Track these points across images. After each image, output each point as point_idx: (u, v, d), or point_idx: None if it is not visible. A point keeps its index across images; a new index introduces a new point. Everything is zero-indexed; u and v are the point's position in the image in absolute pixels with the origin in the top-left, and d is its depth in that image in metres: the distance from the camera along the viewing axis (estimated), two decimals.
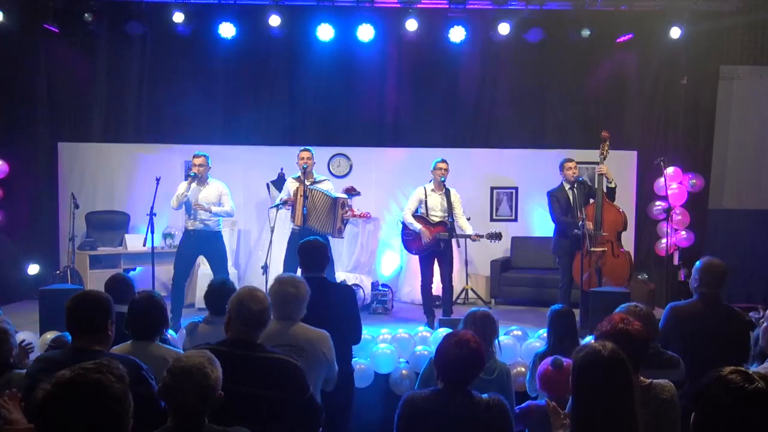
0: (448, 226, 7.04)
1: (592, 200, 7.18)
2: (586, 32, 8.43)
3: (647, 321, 3.42)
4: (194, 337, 4.12)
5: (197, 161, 7.04)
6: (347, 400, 4.38)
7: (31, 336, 5.98)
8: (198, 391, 2.37)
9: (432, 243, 7.09)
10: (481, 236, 7.07)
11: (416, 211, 7.32)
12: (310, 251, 4.38)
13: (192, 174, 7.00)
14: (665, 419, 2.91)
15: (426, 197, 7.26)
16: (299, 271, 6.53)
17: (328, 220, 7.13)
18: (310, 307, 4.07)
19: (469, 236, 7.11)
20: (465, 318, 4.04)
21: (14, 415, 2.59)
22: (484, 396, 2.94)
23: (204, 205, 6.98)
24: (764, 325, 3.26)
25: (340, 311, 4.23)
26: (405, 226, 7.33)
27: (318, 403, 3.21)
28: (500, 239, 7.19)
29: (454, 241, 7.20)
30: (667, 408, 2.93)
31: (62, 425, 1.74)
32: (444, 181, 7.18)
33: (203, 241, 7.09)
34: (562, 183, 7.25)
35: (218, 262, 7.17)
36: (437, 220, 7.18)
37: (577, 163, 7.39)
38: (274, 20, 8.43)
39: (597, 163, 7.29)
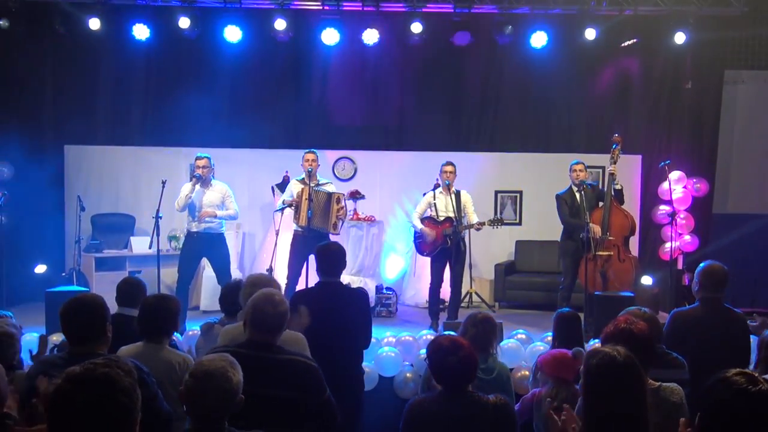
0: (454, 222, 7.06)
1: (601, 203, 7.18)
2: (591, 33, 8.43)
3: (651, 323, 3.43)
4: (209, 337, 4.11)
5: (200, 163, 7.05)
6: (357, 402, 4.39)
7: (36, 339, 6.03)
8: (220, 394, 2.40)
9: (440, 241, 7.11)
10: (483, 224, 7.08)
11: (425, 214, 7.34)
12: (329, 256, 4.37)
13: (196, 176, 7.02)
14: (674, 422, 2.92)
15: (435, 200, 7.28)
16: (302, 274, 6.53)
17: (325, 216, 7.13)
18: (326, 311, 4.08)
19: (472, 226, 7.13)
20: (465, 320, 4.11)
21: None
22: (490, 397, 2.95)
23: (210, 211, 6.98)
24: None
25: (355, 316, 4.25)
26: (416, 230, 7.37)
27: (335, 403, 3.23)
28: (502, 224, 7.21)
29: (464, 240, 7.21)
30: (676, 411, 2.93)
31: (73, 418, 1.78)
32: (448, 184, 7.19)
33: (207, 244, 7.09)
34: (570, 186, 7.26)
35: (221, 264, 7.16)
36: (444, 218, 7.21)
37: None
38: (280, 24, 8.46)
39: (602, 167, 7.32)
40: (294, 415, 3.00)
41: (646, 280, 8.37)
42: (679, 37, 8.46)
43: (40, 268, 8.46)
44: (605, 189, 7.21)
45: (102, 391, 1.80)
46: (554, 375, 3.66)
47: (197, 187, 6.99)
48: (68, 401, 1.78)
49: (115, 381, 1.82)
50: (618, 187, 7.13)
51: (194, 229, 7.08)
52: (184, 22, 8.38)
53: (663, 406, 2.93)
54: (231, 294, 4.23)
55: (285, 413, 2.97)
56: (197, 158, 7.14)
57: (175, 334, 5.07)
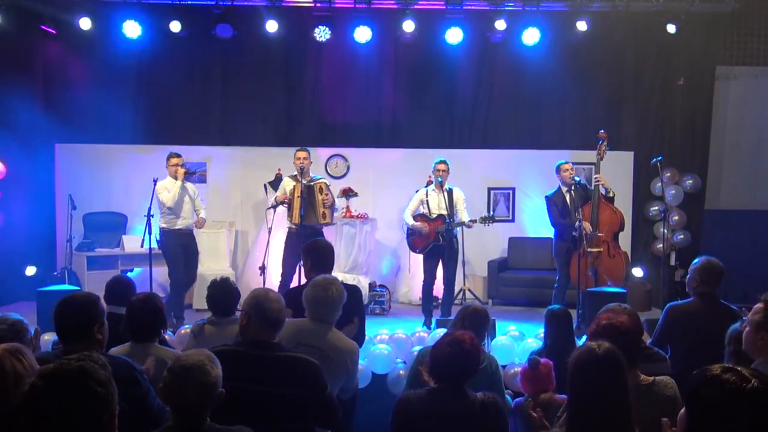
0: (446, 219, 7.06)
1: (590, 201, 7.20)
2: (582, 24, 8.43)
3: (632, 318, 3.44)
4: (201, 339, 4.09)
5: (180, 161, 7.27)
6: (351, 400, 4.38)
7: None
8: (199, 389, 2.39)
9: (432, 238, 7.11)
10: (475, 221, 7.10)
11: (417, 211, 7.34)
12: (317, 252, 4.36)
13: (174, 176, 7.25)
14: (669, 416, 2.93)
15: (427, 197, 7.28)
16: (298, 271, 6.54)
17: (311, 208, 7.13)
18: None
19: (464, 223, 7.13)
20: (458, 312, 4.12)
21: None
22: (478, 394, 2.93)
23: (205, 219, 7.46)
24: (746, 329, 3.20)
25: (348, 312, 4.23)
26: (408, 227, 7.37)
27: (335, 400, 3.24)
28: (493, 222, 7.26)
29: (456, 237, 7.21)
30: (670, 405, 2.95)
31: (50, 412, 1.77)
32: (441, 181, 7.19)
33: (189, 239, 7.35)
34: (559, 186, 7.26)
35: (196, 260, 7.45)
36: (436, 215, 7.21)
37: (574, 163, 7.43)
38: (272, 26, 8.45)
39: (594, 164, 7.33)
40: (295, 413, 3.01)
41: (637, 272, 8.40)
42: (671, 28, 8.46)
43: (30, 270, 8.42)
44: (592, 186, 7.23)
45: (77, 382, 1.79)
46: (529, 391, 3.87)
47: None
48: (44, 396, 1.77)
49: (89, 372, 1.82)
50: (611, 194, 7.16)
51: (180, 226, 7.23)
52: (175, 25, 8.35)
53: (657, 400, 2.94)
54: (219, 293, 4.21)
55: (286, 411, 2.98)
56: (176, 156, 7.31)
57: (168, 332, 5.07)
